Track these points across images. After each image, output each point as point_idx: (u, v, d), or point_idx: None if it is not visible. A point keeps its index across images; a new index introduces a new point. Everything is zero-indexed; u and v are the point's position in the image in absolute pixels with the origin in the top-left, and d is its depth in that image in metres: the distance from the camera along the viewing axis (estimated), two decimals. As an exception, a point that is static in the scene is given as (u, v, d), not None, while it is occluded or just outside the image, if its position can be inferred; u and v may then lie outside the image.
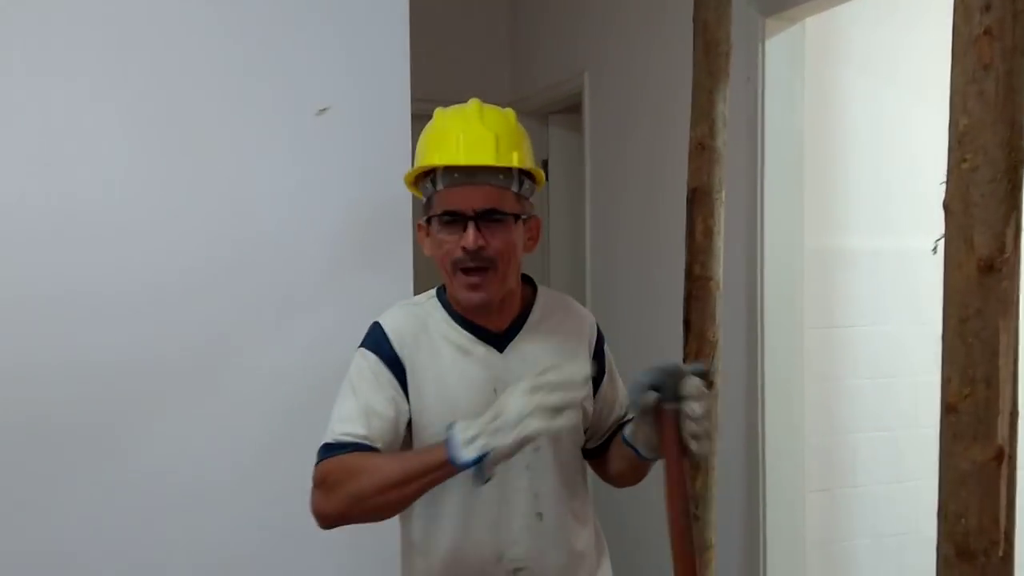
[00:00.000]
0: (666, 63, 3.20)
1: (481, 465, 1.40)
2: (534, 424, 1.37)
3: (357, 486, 1.50)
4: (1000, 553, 1.40)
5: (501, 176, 1.61)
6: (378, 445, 1.59)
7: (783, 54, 2.83)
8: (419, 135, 1.69)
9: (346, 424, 1.60)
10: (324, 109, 2.36)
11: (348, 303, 2.44)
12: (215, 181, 2.35)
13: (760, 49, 2.80)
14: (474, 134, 1.60)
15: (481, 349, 1.68)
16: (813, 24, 2.86)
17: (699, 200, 2.34)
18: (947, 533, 1.43)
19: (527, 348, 1.70)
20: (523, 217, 1.66)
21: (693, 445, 1.52)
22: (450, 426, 1.44)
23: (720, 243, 2.35)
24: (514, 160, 1.62)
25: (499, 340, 1.69)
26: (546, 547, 1.69)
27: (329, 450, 1.59)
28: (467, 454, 1.40)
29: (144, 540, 2.30)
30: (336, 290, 2.44)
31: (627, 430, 1.66)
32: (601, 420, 1.81)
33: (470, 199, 1.59)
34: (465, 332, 1.69)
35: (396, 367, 1.64)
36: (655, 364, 1.55)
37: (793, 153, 2.85)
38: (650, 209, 3.38)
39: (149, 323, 2.30)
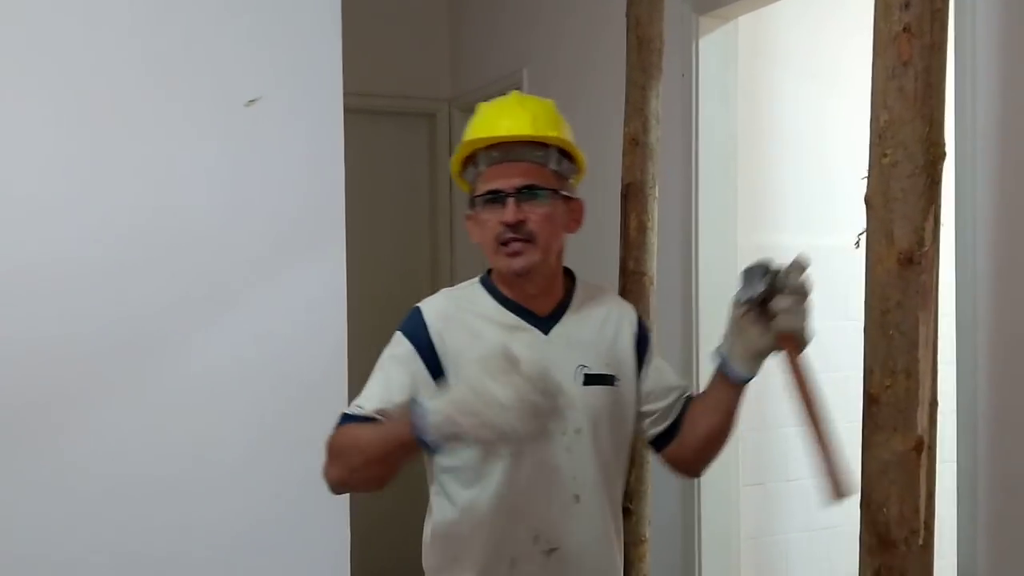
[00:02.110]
0: (603, 60, 3.20)
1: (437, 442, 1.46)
2: (509, 418, 1.39)
3: (349, 460, 1.62)
4: (920, 542, 1.42)
5: (539, 153, 1.72)
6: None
7: (716, 52, 2.85)
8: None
9: (364, 401, 1.69)
10: (254, 100, 2.34)
11: (280, 297, 2.42)
12: (144, 173, 2.31)
13: (694, 46, 2.83)
14: (511, 113, 1.75)
15: (527, 331, 1.75)
16: (745, 23, 2.89)
17: (633, 196, 2.34)
18: (869, 522, 1.45)
19: (571, 331, 1.77)
20: (562, 193, 1.75)
21: (783, 321, 1.56)
22: (414, 402, 1.50)
23: (654, 239, 2.36)
24: (550, 132, 1.74)
25: (544, 323, 1.77)
26: (581, 529, 1.73)
27: (344, 420, 1.68)
28: (431, 431, 1.44)
29: (65, 536, 2.25)
30: (268, 284, 2.41)
31: (723, 347, 1.68)
32: (660, 400, 1.83)
33: (509, 176, 1.70)
34: (511, 314, 1.76)
35: (429, 352, 1.70)
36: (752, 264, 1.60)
37: (726, 150, 2.88)
38: (585, 204, 3.38)
39: (77, 316, 2.25)
